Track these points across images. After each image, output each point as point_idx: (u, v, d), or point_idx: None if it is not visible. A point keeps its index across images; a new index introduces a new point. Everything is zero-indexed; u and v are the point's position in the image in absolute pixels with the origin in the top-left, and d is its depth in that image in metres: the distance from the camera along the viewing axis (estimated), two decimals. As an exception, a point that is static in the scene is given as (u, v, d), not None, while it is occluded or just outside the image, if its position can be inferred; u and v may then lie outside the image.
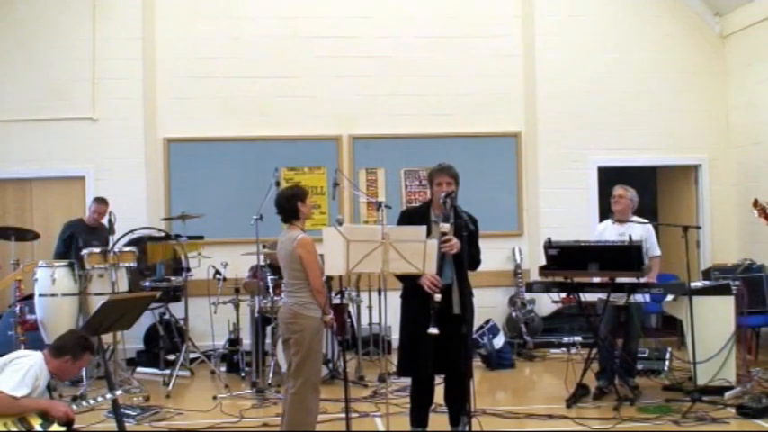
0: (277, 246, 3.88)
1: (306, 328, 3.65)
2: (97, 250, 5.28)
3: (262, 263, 5.27)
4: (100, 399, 3.61)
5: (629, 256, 4.44)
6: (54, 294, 5.23)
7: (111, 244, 5.32)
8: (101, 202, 5.86)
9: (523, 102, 6.94)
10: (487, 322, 6.03)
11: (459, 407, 3.66)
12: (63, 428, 3.29)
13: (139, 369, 5.82)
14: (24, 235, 5.75)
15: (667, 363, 5.32)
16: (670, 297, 4.97)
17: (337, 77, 6.79)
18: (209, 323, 5.84)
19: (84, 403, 3.57)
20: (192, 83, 6.68)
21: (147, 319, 5.97)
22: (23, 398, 3.23)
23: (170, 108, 6.68)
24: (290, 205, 3.75)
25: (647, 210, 6.65)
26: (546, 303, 6.50)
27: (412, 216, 3.84)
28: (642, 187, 6.47)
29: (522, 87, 6.93)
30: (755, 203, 4.60)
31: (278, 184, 5.26)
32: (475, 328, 5.63)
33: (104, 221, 5.65)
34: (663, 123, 6.99)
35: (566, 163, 6.88)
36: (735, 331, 4.76)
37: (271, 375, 5.22)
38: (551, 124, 6.89)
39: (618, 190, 4.97)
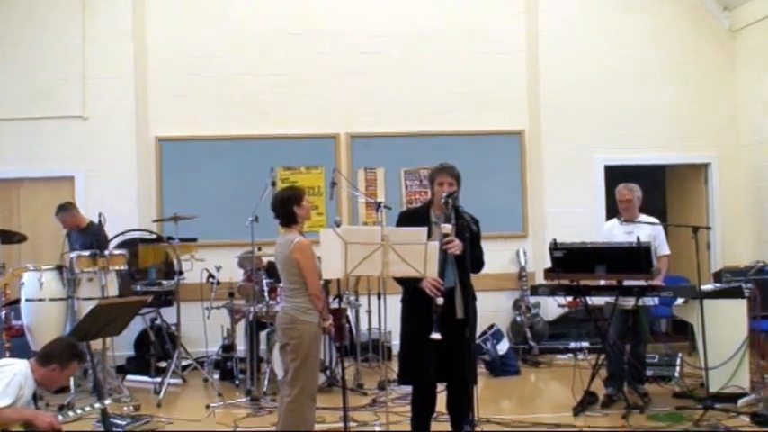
0: (275, 249, 3.88)
1: (304, 334, 3.65)
2: (86, 253, 5.23)
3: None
4: (88, 408, 3.56)
5: (637, 257, 4.39)
6: (41, 299, 5.19)
7: (101, 243, 5.27)
8: (57, 211, 5.65)
9: (527, 99, 6.92)
10: (491, 327, 6.01)
11: (461, 415, 3.64)
12: (48, 439, 3.23)
13: (129, 377, 5.79)
14: (11, 237, 5.72)
15: (678, 369, 5.28)
16: (680, 300, 4.93)
17: (335, 74, 6.77)
18: (202, 329, 5.81)
19: (71, 413, 3.53)
20: (184, 81, 6.67)
21: (137, 325, 5.95)
22: (6, 408, 3.18)
23: (162, 106, 6.67)
24: (286, 210, 3.76)
25: (656, 210, 6.61)
26: (552, 307, 6.46)
27: (412, 217, 3.82)
28: (650, 187, 6.45)
29: (525, 84, 6.92)
30: None
31: (274, 184, 5.25)
32: (478, 334, 5.57)
33: (96, 220, 5.60)
34: (671, 120, 6.96)
35: (571, 162, 6.86)
36: (747, 336, 4.72)
37: (266, 383, 5.18)
38: (556, 122, 6.87)
39: (623, 193, 4.90)
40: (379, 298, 5.67)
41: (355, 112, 6.77)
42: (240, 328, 5.85)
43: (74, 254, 5.27)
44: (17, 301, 5.37)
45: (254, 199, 5.11)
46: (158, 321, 6.02)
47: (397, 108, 6.78)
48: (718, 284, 5.36)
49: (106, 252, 5.21)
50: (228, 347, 5.81)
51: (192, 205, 6.24)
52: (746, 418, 4.33)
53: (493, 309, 6.42)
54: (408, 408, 3.92)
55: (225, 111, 6.69)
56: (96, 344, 4.72)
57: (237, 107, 6.69)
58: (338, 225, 4.76)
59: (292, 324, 3.68)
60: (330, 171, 5.99)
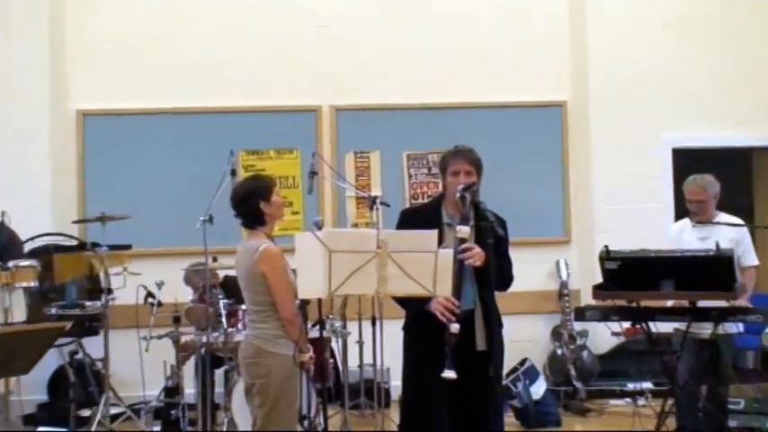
0: (235, 259, 3.89)
1: (274, 371, 3.66)
2: (-17, 265, 5.21)
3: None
4: (-14, 471, 3.55)
5: (716, 270, 4.37)
6: (-76, 326, 5.16)
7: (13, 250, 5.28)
8: None
9: (570, 61, 6.96)
10: (522, 363, 6.03)
11: (484, 480, 3.64)
12: None
13: (41, 429, 5.78)
14: None
15: (770, 417, 5.28)
16: (773, 327, 4.95)
17: (315, 28, 6.80)
18: (138, 366, 5.78)
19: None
20: (115, 37, 6.70)
21: (52, 360, 5.96)
22: None
23: (86, 71, 6.69)
24: (249, 207, 3.78)
25: (740, 207, 6.63)
26: (603, 336, 6.44)
27: (417, 217, 3.86)
28: (733, 176, 6.45)
29: (568, 42, 6.96)
30: None
31: (234, 172, 5.26)
32: (505, 372, 5.60)
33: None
34: (758, 91, 6.97)
35: (628, 143, 6.87)
36: None
37: (224, 437, 5.19)
38: (608, 91, 6.89)
39: (693, 191, 4.89)
40: (373, 324, 5.65)
41: (343, 77, 6.78)
42: (189, 364, 5.85)
43: (-33, 266, 5.25)
44: None
45: (208, 193, 5.11)
46: (80, 356, 6.00)
47: (399, 73, 6.80)
48: (822, 306, 5.36)
49: (11, 264, 5.19)
50: (173, 390, 5.79)
51: (125, 201, 6.25)
52: None
53: (525, 338, 6.43)
54: (413, 470, 3.93)
55: (169, 78, 6.71)
56: (-3, 385, 4.70)
57: (187, 72, 6.71)
58: (319, 227, 4.80)
59: (258, 358, 3.68)
60: (309, 156, 5.97)
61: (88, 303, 5.82)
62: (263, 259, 3.66)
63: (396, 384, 5.14)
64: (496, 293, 3.68)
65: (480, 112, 6.78)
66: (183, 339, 5.63)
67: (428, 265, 3.32)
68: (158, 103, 6.67)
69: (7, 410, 4.94)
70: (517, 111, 6.86)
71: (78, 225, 6.41)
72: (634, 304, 4.57)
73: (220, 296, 5.35)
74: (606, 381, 6.55)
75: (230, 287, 5.29)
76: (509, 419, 5.61)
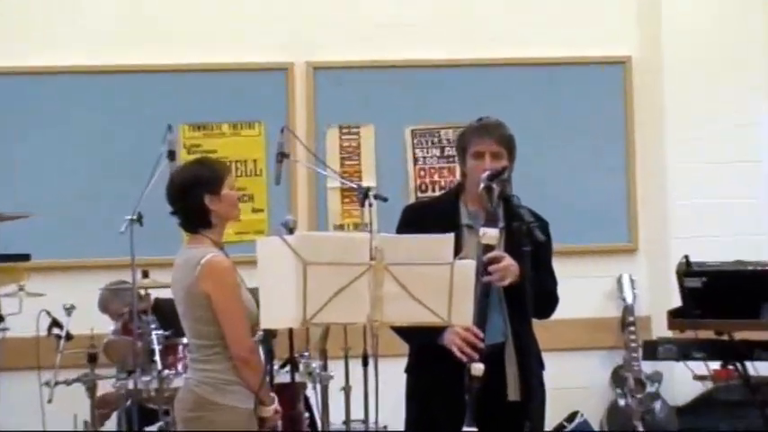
0: (172, 275, 3.91)
1: (220, 428, 3.66)
2: None
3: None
4: None
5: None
6: None
7: None
8: None
9: (636, 6, 6.98)
10: (572, 418, 6.15)
11: None
12: None
13: None
14: None
15: None
16: None
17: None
18: (39, 420, 5.78)
19: None
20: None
21: None
22: None
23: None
24: (191, 202, 3.79)
25: None
26: (683, 380, 6.44)
27: (427, 215, 3.89)
28: None
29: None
30: None
31: (172, 155, 5.29)
32: (549, 429, 5.59)
33: None
34: None
35: (716, 115, 6.87)
36: None
37: None
38: (688, 45, 6.89)
39: None
40: (365, 365, 5.64)
41: (323, 24, 6.81)
42: (111, 420, 5.87)
43: None
44: None
45: (137, 183, 5.14)
46: (-41, 407, 6.02)
47: (402, 18, 6.83)
48: None
49: None
50: (88, 454, 5.83)
51: (21, 195, 6.33)
52: None
53: (576, 383, 6.51)
54: None
55: (89, 26, 6.70)
56: None
57: (111, 21, 6.71)
58: (291, 230, 4.77)
59: (200, 411, 3.68)
60: (276, 131, 5.96)
61: (-29, 335, 5.84)
62: (206, 274, 3.64)
63: (396, 447, 5.13)
64: (535, 322, 3.67)
65: (513, 72, 6.81)
66: (102, 390, 5.61)
67: (441, 283, 3.30)
68: (68, 59, 6.67)
69: None
70: (563, 69, 6.88)
71: (-42, 227, 6.42)
72: (725, 337, 4.58)
73: (153, 325, 5.38)
74: (687, 441, 6.59)
75: (165, 313, 5.31)
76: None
